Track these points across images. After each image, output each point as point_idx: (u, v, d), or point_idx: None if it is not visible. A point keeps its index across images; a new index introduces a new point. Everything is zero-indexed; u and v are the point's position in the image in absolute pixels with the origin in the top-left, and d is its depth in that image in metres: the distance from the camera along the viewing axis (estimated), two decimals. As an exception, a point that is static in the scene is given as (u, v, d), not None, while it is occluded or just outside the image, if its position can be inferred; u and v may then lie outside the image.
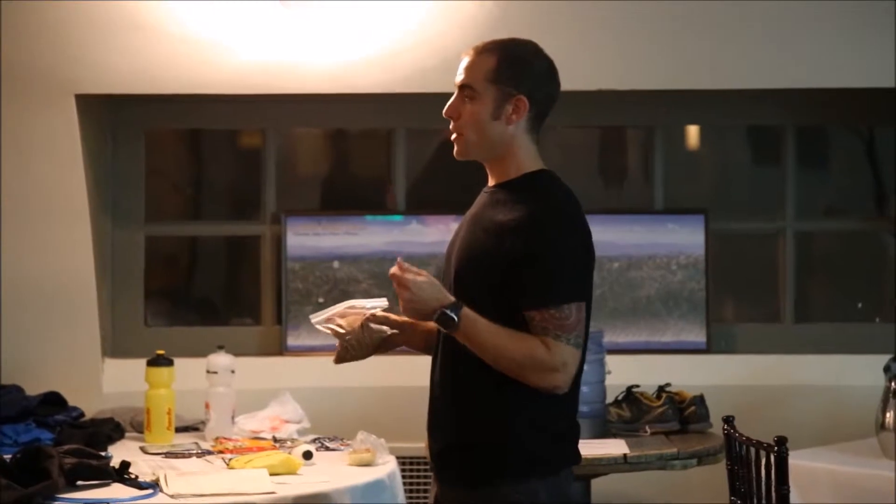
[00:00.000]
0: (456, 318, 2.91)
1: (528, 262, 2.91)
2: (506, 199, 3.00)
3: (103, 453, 3.77)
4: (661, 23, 4.77)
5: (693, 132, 5.33)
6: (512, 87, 3.01)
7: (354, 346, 3.13)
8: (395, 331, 3.15)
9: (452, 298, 2.93)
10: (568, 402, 3.02)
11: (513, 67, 3.01)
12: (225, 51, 4.75)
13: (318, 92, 4.83)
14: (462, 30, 4.70)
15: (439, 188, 5.18)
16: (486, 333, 2.92)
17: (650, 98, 5.01)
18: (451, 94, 3.06)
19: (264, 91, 4.81)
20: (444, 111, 3.06)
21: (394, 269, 2.94)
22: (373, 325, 3.13)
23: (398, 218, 5.09)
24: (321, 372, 4.88)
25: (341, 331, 3.13)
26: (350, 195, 5.27)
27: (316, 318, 3.18)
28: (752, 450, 3.66)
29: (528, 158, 3.05)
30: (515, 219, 2.94)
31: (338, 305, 3.18)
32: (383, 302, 3.18)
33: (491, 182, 3.09)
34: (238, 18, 4.74)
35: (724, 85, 4.86)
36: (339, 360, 3.17)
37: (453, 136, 3.07)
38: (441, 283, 3.01)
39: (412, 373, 4.57)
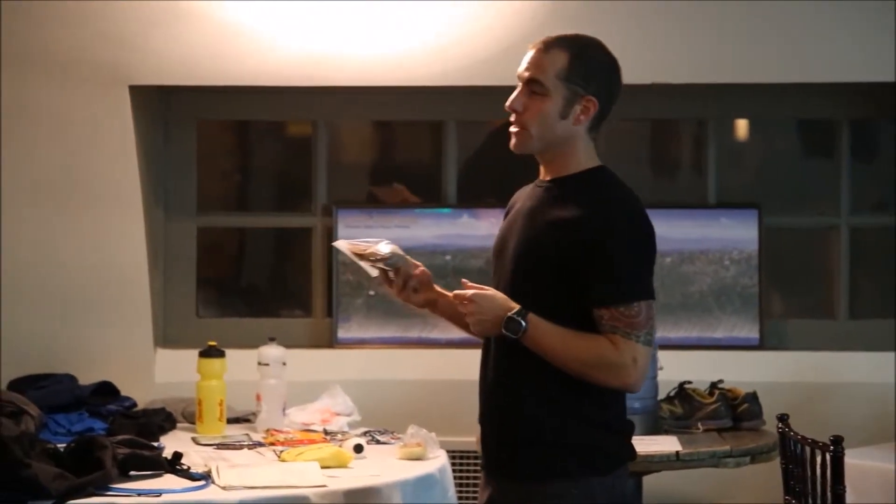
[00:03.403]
0: (524, 323, 2.90)
1: (595, 260, 2.89)
2: (565, 195, 2.98)
3: (155, 444, 3.79)
4: (713, 17, 4.73)
5: (746, 126, 5.29)
6: (582, 88, 2.96)
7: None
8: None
9: (517, 306, 2.93)
10: (620, 398, 3.01)
11: (584, 67, 2.97)
12: (276, 43, 4.75)
13: (366, 84, 4.82)
14: (512, 23, 4.68)
15: (490, 181, 5.16)
16: (552, 336, 2.91)
17: (702, 91, 4.97)
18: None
19: (314, 83, 4.81)
20: (507, 104, 3.00)
21: (457, 291, 2.97)
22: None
23: (448, 211, 5.08)
24: (372, 365, 4.88)
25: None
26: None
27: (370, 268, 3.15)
28: (808, 449, 3.63)
29: (585, 155, 3.02)
30: (580, 215, 2.92)
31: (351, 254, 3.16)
32: (382, 241, 3.15)
33: (545, 176, 3.06)
34: (289, 10, 4.74)
35: (776, 79, 4.82)
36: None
37: (513, 129, 3.02)
38: (492, 281, 3.00)
39: (463, 366, 4.56)
